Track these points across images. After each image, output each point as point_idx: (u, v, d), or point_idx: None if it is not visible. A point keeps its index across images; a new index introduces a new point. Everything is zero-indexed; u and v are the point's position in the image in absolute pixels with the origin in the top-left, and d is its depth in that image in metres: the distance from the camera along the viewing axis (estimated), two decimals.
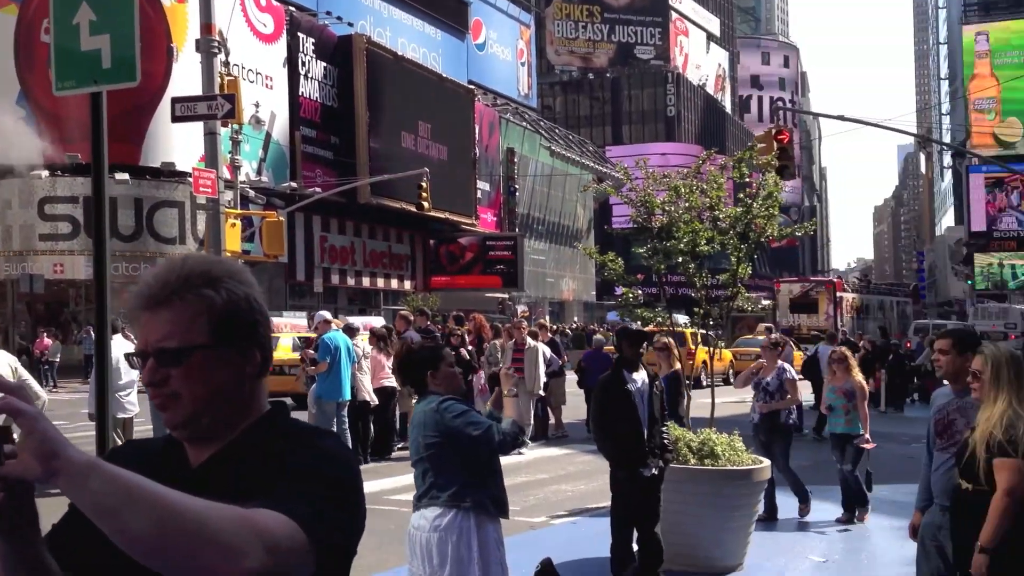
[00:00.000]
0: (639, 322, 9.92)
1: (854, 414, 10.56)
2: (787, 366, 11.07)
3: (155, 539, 1.35)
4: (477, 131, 50.23)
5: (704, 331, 10.19)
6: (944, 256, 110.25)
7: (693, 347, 29.24)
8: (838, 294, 46.27)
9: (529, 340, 16.28)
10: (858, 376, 10.76)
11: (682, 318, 16.41)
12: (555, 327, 26.13)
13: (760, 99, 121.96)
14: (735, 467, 8.44)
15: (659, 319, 10.04)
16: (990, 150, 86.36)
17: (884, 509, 11.55)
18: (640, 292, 10.67)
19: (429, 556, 4.89)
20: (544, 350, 16.48)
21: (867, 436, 10.57)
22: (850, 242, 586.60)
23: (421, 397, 5.17)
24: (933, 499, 5.39)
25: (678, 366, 11.10)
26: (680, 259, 9.42)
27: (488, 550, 4.92)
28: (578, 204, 64.84)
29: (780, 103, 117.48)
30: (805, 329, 36.50)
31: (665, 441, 7.52)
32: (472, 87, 51.58)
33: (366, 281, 44.03)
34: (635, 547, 7.58)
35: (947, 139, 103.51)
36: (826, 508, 11.59)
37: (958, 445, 4.95)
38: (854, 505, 10.66)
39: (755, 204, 9.44)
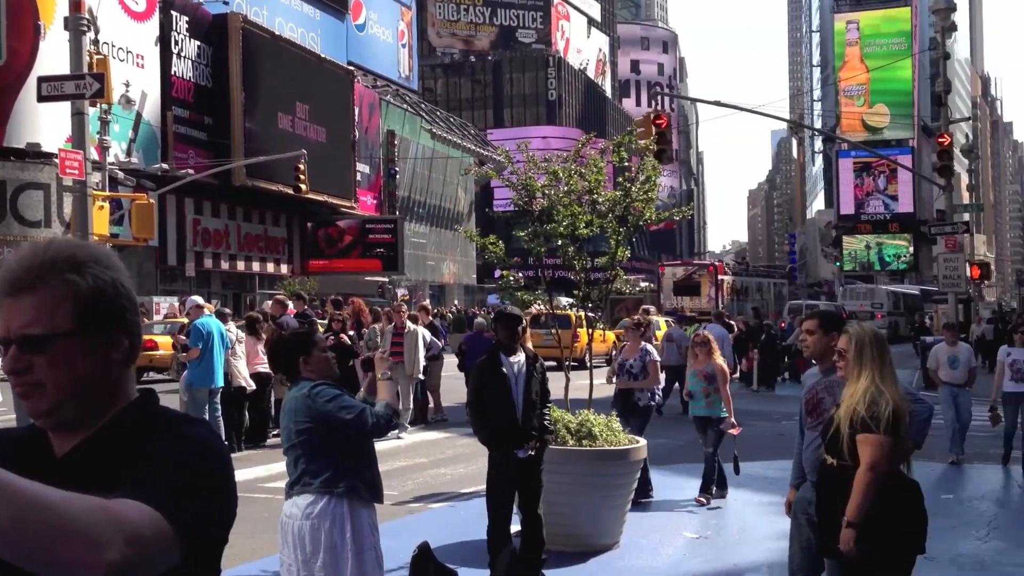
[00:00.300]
0: (521, 306, 9.94)
1: (715, 397, 10.60)
2: (650, 348, 11.13)
3: (11, 531, 1.30)
4: (357, 113, 49.66)
5: (589, 314, 10.22)
6: (815, 238, 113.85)
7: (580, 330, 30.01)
8: (719, 277, 47.76)
9: (409, 324, 16.17)
10: (719, 359, 10.74)
11: (565, 300, 16.50)
12: (436, 310, 26.03)
13: (639, 84, 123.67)
14: (612, 447, 8.52)
15: (540, 301, 10.06)
16: (859, 135, 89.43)
17: (756, 486, 11.84)
18: (520, 275, 10.67)
19: (302, 544, 4.79)
20: (424, 333, 16.39)
21: (732, 420, 10.59)
22: (725, 225, 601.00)
23: (293, 383, 5.03)
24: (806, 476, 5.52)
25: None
26: (560, 242, 9.44)
27: (362, 536, 4.84)
28: (459, 187, 64.75)
29: (659, 88, 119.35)
30: (687, 311, 37.67)
31: (546, 423, 7.52)
32: (352, 68, 50.93)
33: (241, 265, 43.14)
34: (516, 528, 7.60)
35: (818, 125, 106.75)
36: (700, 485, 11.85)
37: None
38: (711, 485, 10.69)
39: (634, 188, 9.52)
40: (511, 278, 10.08)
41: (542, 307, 11.75)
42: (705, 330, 17.47)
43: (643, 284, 59.85)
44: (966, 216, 38.80)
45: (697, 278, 47.31)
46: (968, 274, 29.96)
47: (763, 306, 49.80)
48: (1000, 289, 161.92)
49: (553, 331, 11.17)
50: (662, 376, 11.17)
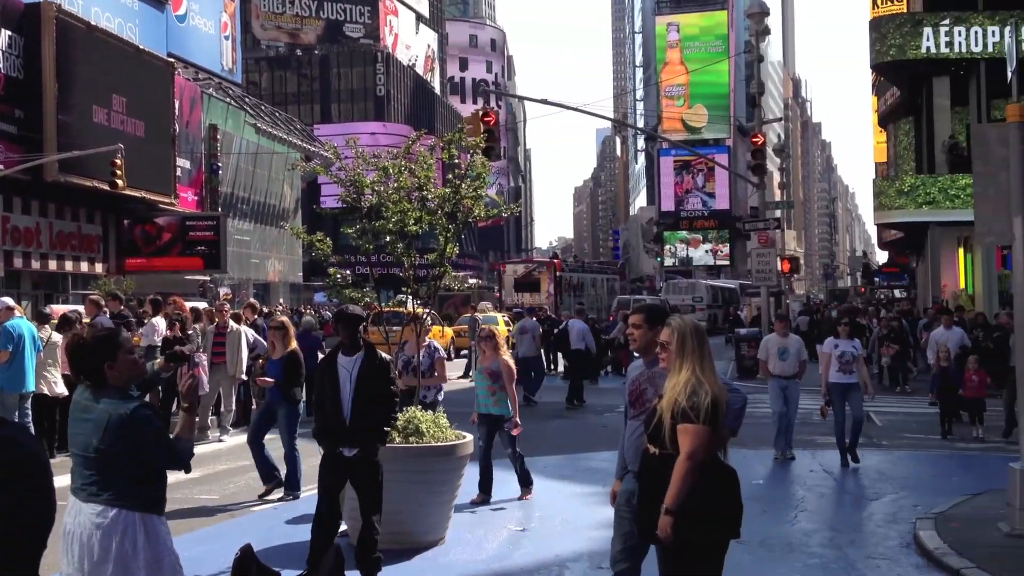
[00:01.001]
0: (351, 303, 9.84)
1: (501, 395, 10.39)
2: (437, 344, 10.84)
3: None
4: (177, 106, 48.02)
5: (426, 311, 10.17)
6: (637, 235, 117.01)
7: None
8: (557, 274, 49.63)
9: (232, 323, 15.79)
10: (506, 356, 10.51)
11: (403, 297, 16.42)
12: (264, 309, 25.47)
13: (468, 82, 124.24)
14: (439, 443, 8.53)
15: (367, 299, 9.97)
16: (679, 134, 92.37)
17: (580, 477, 12.10)
18: (347, 273, 10.54)
19: (89, 554, 4.49)
20: (248, 333, 16.03)
21: (516, 420, 10.40)
22: (552, 221, 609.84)
23: (99, 392, 4.61)
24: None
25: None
26: (389, 239, 9.39)
27: (156, 546, 4.57)
28: (285, 183, 63.51)
29: (487, 85, 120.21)
30: (526, 307, 39.08)
31: (393, 423, 7.49)
32: (172, 60, 49.23)
33: (53, 264, 41.12)
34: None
35: (641, 124, 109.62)
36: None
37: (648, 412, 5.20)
38: (526, 483, 10.72)
39: (464, 185, 9.56)
40: (339, 276, 9.96)
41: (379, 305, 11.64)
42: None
43: (472, 281, 60.28)
44: (778, 213, 40.57)
45: (537, 275, 49.24)
46: (779, 268, 31.31)
47: (597, 301, 52.27)
48: (809, 282, 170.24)
49: (396, 328, 11.07)
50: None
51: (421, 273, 9.94)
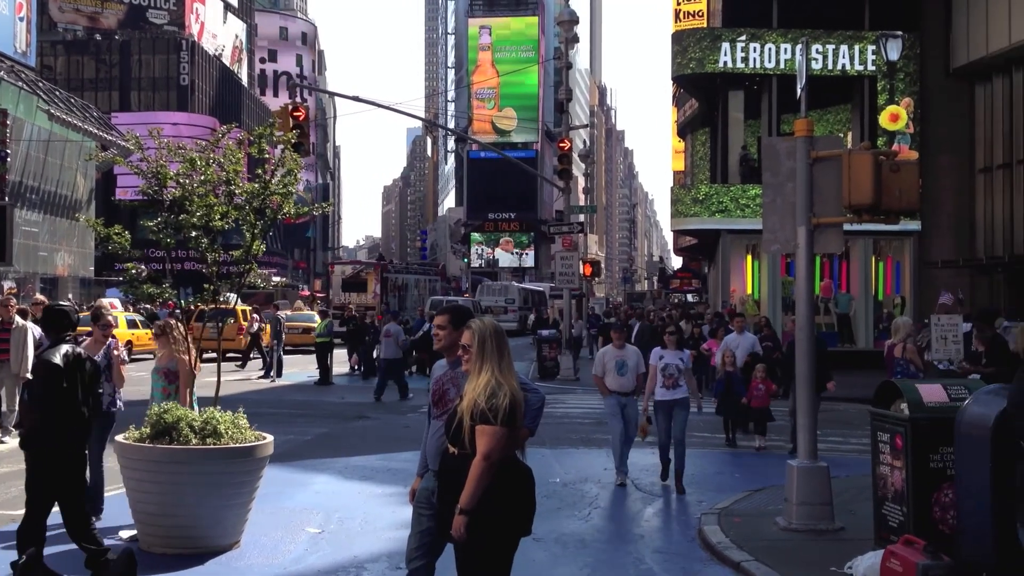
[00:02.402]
0: (148, 299, 9.52)
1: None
2: (118, 342, 10.09)
3: None
4: None
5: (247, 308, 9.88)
6: (445, 235, 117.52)
7: (244, 323, 29.85)
8: (384, 275, 52.10)
9: (18, 319, 14.99)
10: (183, 355, 9.47)
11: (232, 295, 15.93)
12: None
13: (278, 75, 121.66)
14: (238, 444, 8.39)
15: (166, 295, 9.63)
16: (488, 137, 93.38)
17: (381, 478, 12.12)
18: (143, 268, 10.19)
19: None
20: (34, 330, 15.25)
21: None
22: (360, 220, 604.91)
23: None
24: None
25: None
26: (193, 234, 9.16)
27: None
28: (78, 173, 60.56)
29: (296, 79, 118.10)
30: (354, 305, 40.18)
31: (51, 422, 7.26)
32: None
33: None
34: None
35: (452, 125, 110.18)
36: (325, 480, 11.95)
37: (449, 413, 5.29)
38: None
39: (273, 181, 9.41)
40: (135, 270, 9.62)
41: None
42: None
43: (276, 279, 59.71)
44: (581, 217, 41.60)
45: (364, 276, 52.14)
46: (581, 271, 32.15)
47: (420, 300, 54.16)
48: (608, 286, 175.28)
49: (220, 324, 10.69)
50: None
51: (226, 270, 9.72)
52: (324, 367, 25.44)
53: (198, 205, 9.04)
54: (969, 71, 30.02)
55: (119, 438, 8.48)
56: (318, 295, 68.79)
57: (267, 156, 9.79)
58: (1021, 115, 28.07)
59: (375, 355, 25.55)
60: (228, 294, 9.86)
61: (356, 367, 28.14)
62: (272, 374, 26.31)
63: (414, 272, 63.63)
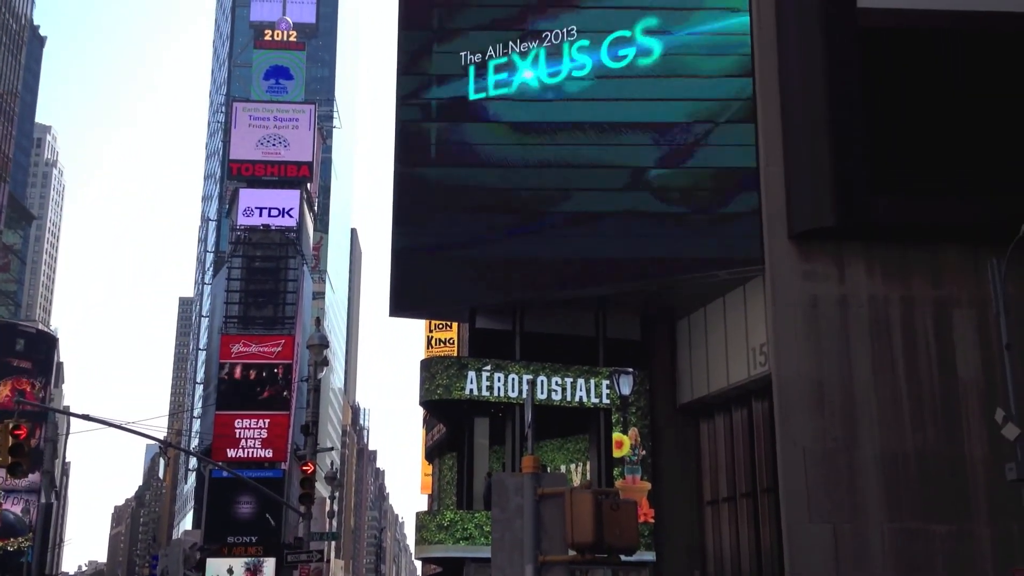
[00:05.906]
0: None
1: None
2: None
3: None
4: None
5: None
6: (178, 560, 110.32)
7: None
8: None
9: None
10: None
11: None
12: None
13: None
14: None
15: None
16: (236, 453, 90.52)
17: None
18: None
19: None
20: None
21: None
22: (86, 542, 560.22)
23: None
24: None
25: None
26: None
27: None
28: None
29: (21, 399, 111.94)
30: None
31: None
32: None
33: None
34: None
35: (196, 442, 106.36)
36: None
37: None
38: None
39: None
40: None
41: None
42: None
43: None
44: (324, 544, 40.26)
45: None
46: None
47: None
48: None
49: None
50: None
51: None
52: None
53: None
54: (694, 408, 32.20)
55: None
56: None
57: None
58: (742, 451, 30.05)
59: None
60: None
61: None
62: None
63: None
